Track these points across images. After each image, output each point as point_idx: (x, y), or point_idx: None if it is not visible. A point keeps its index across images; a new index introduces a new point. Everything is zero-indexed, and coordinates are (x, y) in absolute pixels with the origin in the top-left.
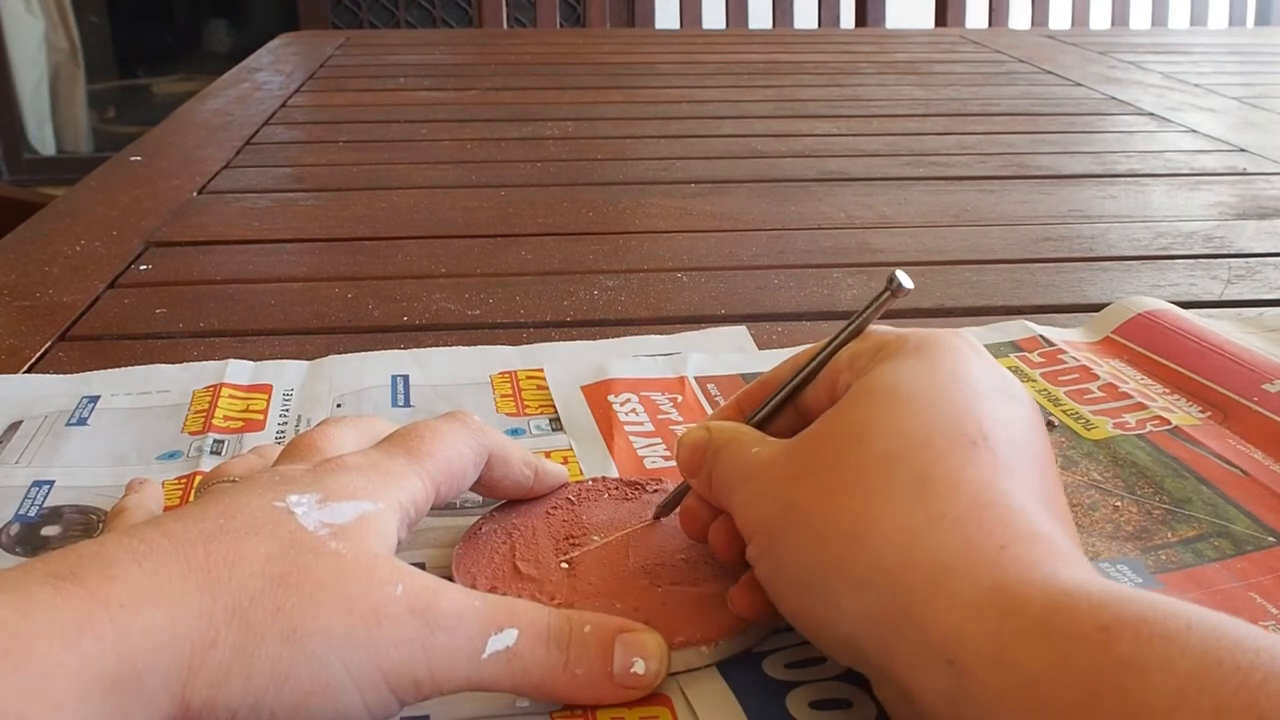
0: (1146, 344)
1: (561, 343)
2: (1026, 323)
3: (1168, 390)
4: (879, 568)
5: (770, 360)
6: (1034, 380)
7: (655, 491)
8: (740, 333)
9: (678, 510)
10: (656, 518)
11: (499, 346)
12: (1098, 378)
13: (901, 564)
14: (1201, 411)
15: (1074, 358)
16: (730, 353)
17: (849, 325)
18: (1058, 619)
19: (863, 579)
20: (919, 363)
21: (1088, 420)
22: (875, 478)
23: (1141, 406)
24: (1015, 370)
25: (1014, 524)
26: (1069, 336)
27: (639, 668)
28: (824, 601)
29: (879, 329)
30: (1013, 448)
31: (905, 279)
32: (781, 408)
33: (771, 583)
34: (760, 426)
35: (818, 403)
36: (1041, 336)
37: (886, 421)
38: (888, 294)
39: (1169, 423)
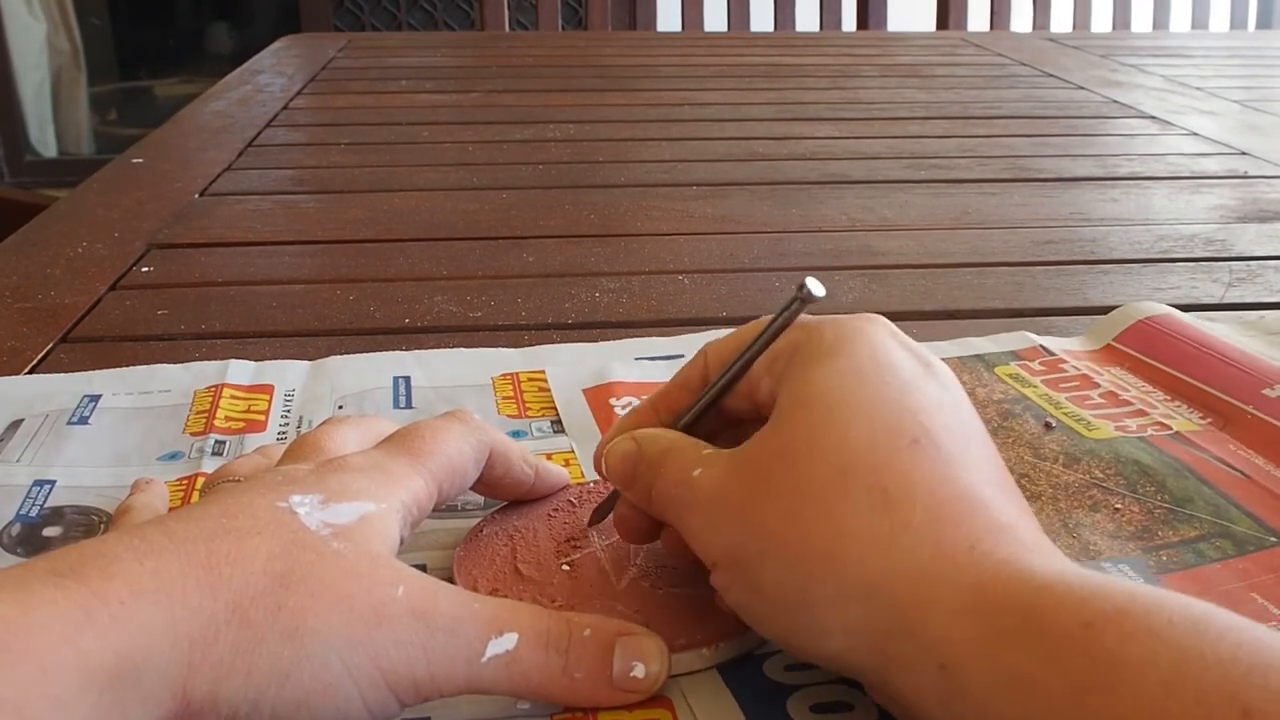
0: (1147, 351)
1: (563, 345)
2: (1027, 333)
3: (1169, 397)
4: (860, 582)
5: None
6: (1034, 386)
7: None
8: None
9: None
10: (590, 525)
11: (500, 348)
12: (1098, 386)
13: (880, 576)
14: (1202, 418)
15: (1074, 367)
16: None
17: (762, 335)
18: (1041, 617)
19: (846, 594)
20: (840, 362)
21: (1089, 422)
22: (832, 493)
23: (1142, 413)
24: (1015, 377)
25: (977, 517)
26: (1069, 345)
27: (638, 671)
28: (809, 622)
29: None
30: (951, 436)
31: (816, 287)
32: (700, 417)
33: (748, 608)
34: (686, 431)
35: (739, 406)
36: (1042, 346)
37: (829, 433)
38: (797, 303)
39: (1170, 428)
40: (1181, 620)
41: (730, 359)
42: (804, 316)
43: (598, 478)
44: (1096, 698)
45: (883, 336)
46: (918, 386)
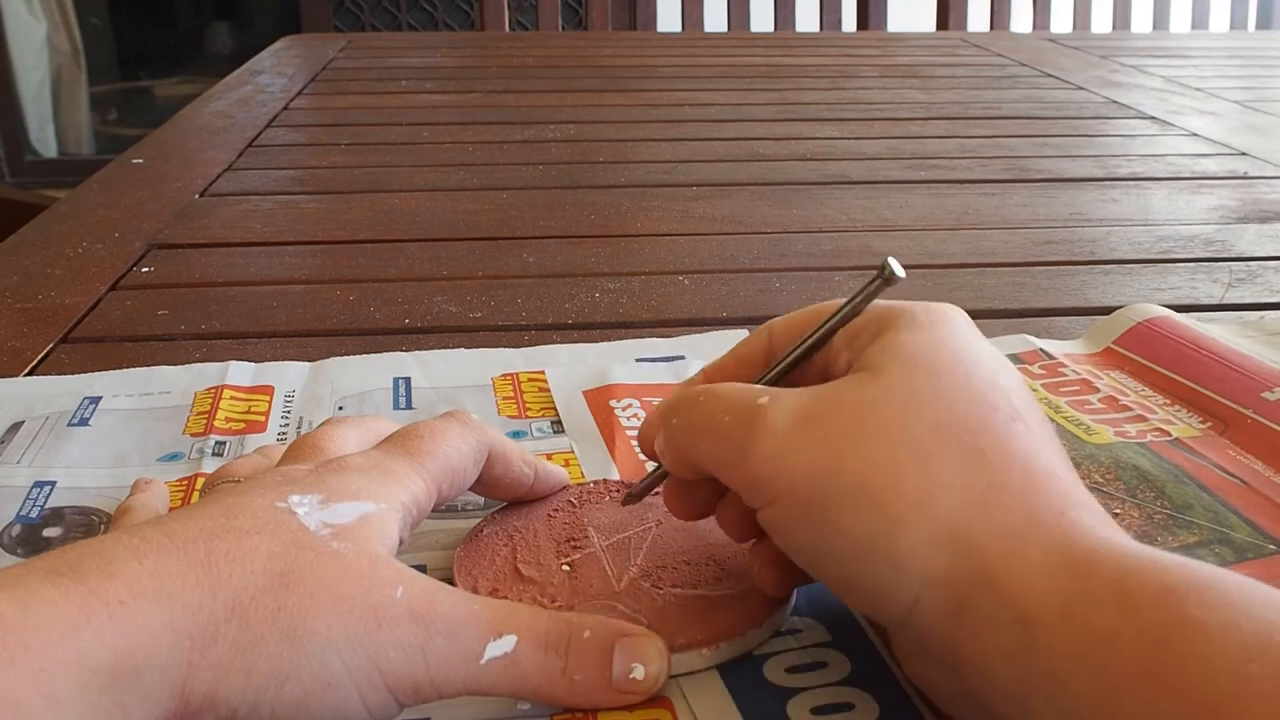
0: (1147, 354)
1: (563, 345)
2: (1027, 336)
3: (1168, 401)
4: (950, 533)
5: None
6: (1035, 390)
7: (657, 494)
8: (742, 336)
9: (658, 515)
10: (625, 503)
11: (500, 349)
12: (1098, 390)
13: (973, 529)
14: (1202, 422)
15: (1074, 371)
16: None
17: (841, 310)
18: (1127, 580)
19: (932, 544)
20: (934, 336)
21: (1089, 427)
22: (931, 446)
23: (1142, 419)
24: None
25: (1066, 492)
26: (1069, 349)
27: (638, 673)
28: (887, 569)
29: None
30: (1039, 421)
31: (898, 267)
32: (778, 381)
33: (808, 550)
34: None
35: (808, 382)
36: (1042, 350)
37: (931, 393)
38: (880, 281)
39: (1169, 434)
40: (1258, 596)
41: (799, 335)
42: (879, 301)
43: (598, 478)
44: (1175, 659)
45: (966, 325)
46: (1003, 372)
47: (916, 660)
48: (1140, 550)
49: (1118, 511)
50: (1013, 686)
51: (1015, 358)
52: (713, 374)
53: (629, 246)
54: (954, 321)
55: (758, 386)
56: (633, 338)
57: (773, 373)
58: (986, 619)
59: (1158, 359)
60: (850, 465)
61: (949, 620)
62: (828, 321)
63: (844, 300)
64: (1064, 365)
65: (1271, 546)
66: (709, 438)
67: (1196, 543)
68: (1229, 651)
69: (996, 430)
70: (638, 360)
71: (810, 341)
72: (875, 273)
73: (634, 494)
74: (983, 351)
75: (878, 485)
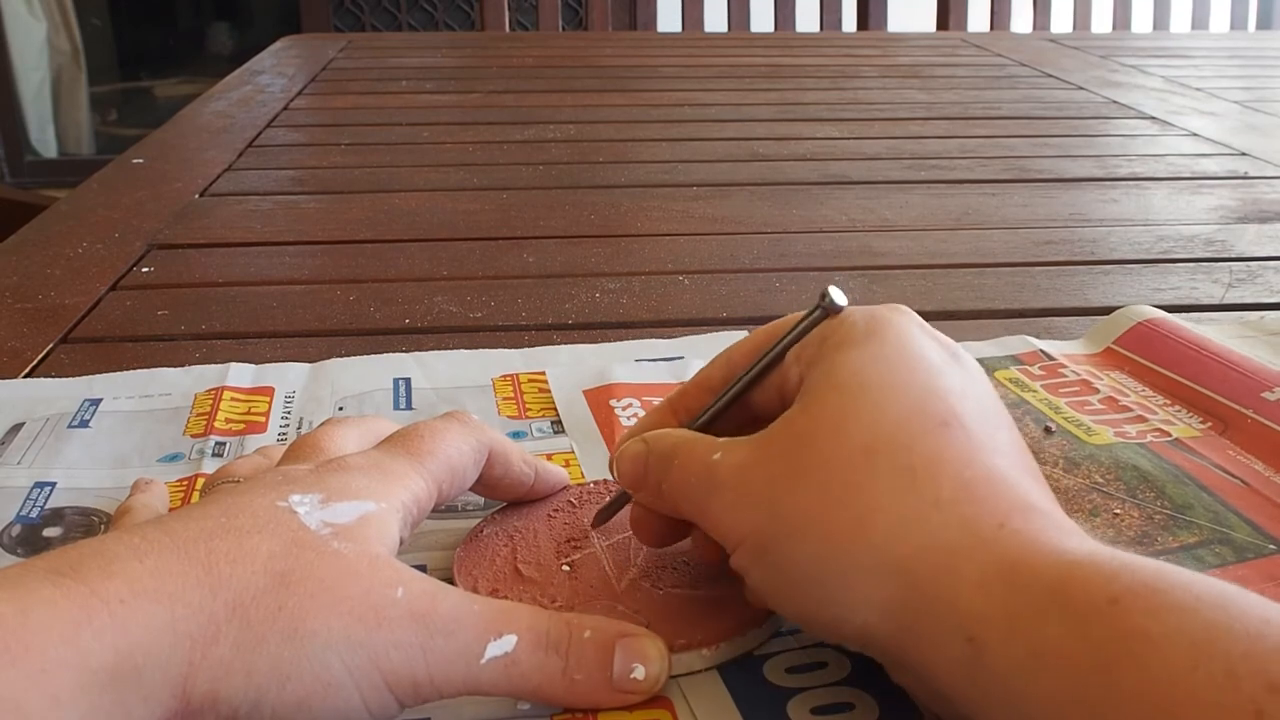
0: (1147, 354)
1: (563, 345)
2: (1027, 337)
3: (1168, 402)
4: (889, 557)
5: None
6: (1034, 390)
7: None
8: (741, 338)
9: (617, 518)
10: (594, 526)
11: (500, 350)
12: (1098, 391)
13: (909, 551)
14: (1202, 422)
15: (1074, 371)
16: None
17: (782, 341)
18: (1068, 591)
19: (873, 570)
20: (871, 348)
21: (1089, 428)
22: (861, 470)
23: (1142, 419)
24: (1015, 382)
25: (1005, 497)
26: (1069, 349)
27: (638, 673)
28: (835, 598)
29: None
30: (981, 420)
31: (839, 296)
32: (723, 414)
33: (770, 589)
34: (703, 431)
35: (767, 401)
36: (1042, 351)
37: (859, 414)
38: (820, 311)
39: (1169, 434)
40: (1208, 596)
41: (754, 358)
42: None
43: (598, 478)
44: (1123, 671)
45: (911, 325)
46: (946, 372)
47: (893, 670)
48: (1083, 553)
49: (1118, 511)
50: (970, 699)
51: (1015, 358)
52: (676, 401)
53: (629, 246)
54: (895, 327)
55: (718, 441)
56: (633, 338)
57: (716, 405)
58: (933, 639)
59: (1158, 359)
60: (789, 503)
61: (901, 641)
62: (774, 348)
63: (795, 320)
64: (1064, 366)
65: (1271, 546)
66: (683, 500)
67: (1197, 543)
68: (1175, 660)
69: (930, 441)
70: (637, 360)
71: (757, 370)
72: (816, 303)
73: (601, 517)
74: (923, 355)
75: (815, 518)
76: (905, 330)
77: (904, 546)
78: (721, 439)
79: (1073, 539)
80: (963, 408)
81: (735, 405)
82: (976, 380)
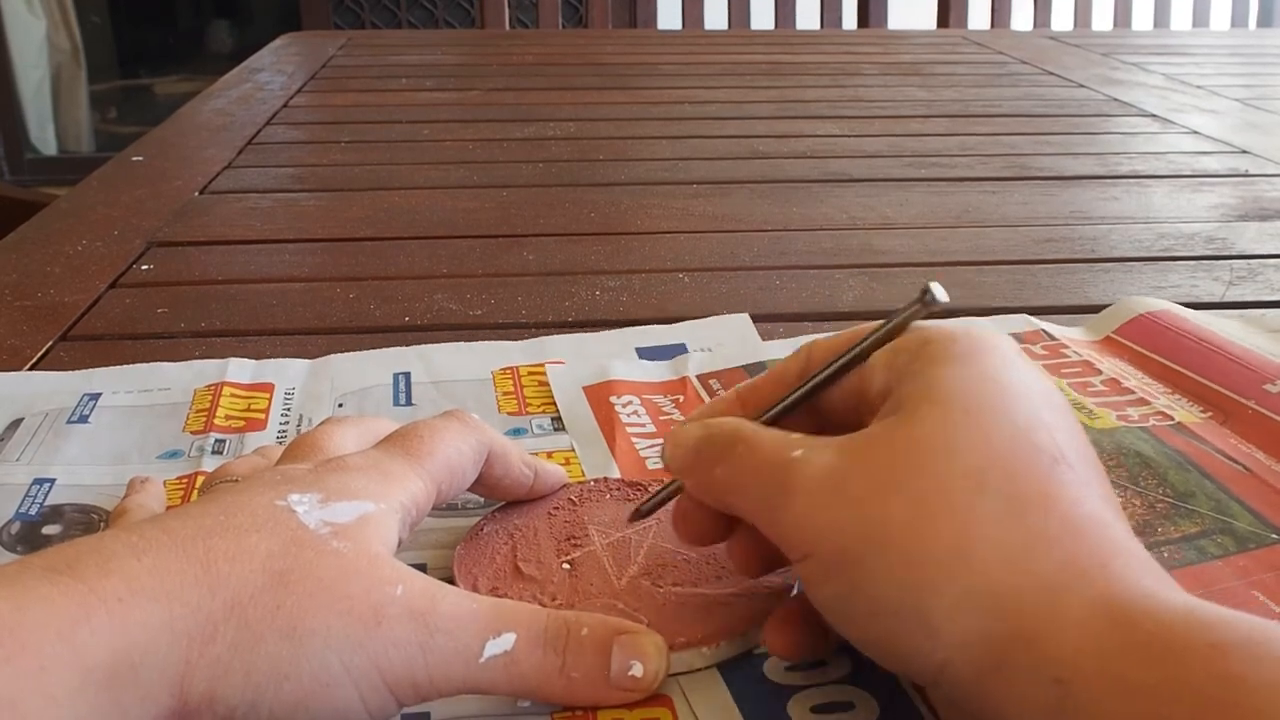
0: (1147, 344)
1: (564, 335)
2: (1029, 317)
3: (1169, 390)
4: (986, 589)
5: (772, 350)
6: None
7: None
8: (743, 320)
9: (658, 513)
10: (633, 519)
11: (500, 341)
12: (1100, 372)
13: (1009, 584)
14: (1203, 412)
15: (1076, 353)
16: (732, 345)
17: (877, 333)
18: (1168, 635)
19: (968, 601)
20: (975, 367)
21: (1091, 411)
22: (966, 496)
23: (1144, 402)
24: None
25: (1109, 540)
26: (1070, 334)
27: (636, 671)
28: (918, 626)
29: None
30: (1084, 461)
31: (940, 292)
32: (795, 408)
33: (840, 606)
34: (771, 425)
35: (844, 403)
36: (1044, 330)
37: (967, 436)
38: (919, 305)
39: (1171, 419)
40: None
41: (834, 355)
42: (919, 322)
43: (598, 476)
44: (1216, 715)
45: (1012, 353)
46: (1051, 406)
47: (949, 709)
48: (1183, 603)
49: (1120, 498)
50: None
51: (1017, 337)
52: (746, 393)
53: (629, 244)
54: (997, 350)
55: (794, 436)
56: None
57: (791, 398)
58: (1022, 677)
59: (1158, 349)
60: (878, 522)
61: (982, 679)
62: (860, 344)
63: (881, 322)
64: (1065, 347)
65: (1274, 536)
66: (743, 494)
67: (1198, 532)
68: (1273, 710)
69: (1039, 474)
70: (638, 351)
71: (840, 364)
72: (916, 296)
73: (642, 511)
74: (1026, 383)
75: (907, 543)
76: (1007, 356)
77: (1003, 579)
78: (797, 435)
79: (1171, 587)
80: (1069, 445)
81: (804, 405)
82: (1073, 419)
